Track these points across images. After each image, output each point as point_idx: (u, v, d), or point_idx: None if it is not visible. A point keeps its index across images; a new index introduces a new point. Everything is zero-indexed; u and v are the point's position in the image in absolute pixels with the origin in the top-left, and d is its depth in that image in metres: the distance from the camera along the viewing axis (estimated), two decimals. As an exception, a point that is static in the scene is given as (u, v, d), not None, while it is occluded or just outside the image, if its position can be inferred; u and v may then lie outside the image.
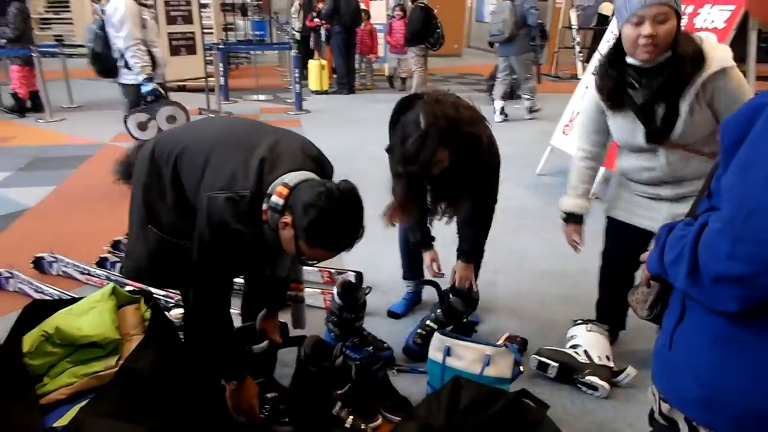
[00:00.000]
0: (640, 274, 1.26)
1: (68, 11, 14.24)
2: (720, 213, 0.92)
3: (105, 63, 3.86)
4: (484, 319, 2.74)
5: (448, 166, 2.02)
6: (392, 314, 2.75)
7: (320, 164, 1.79)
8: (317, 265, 3.04)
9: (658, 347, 1.17)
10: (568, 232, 2.34)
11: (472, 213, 2.35)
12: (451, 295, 2.46)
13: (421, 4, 8.23)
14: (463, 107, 2.05)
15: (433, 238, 2.55)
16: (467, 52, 16.36)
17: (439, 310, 2.47)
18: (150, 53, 3.83)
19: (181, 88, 8.66)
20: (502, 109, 7.18)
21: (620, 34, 1.87)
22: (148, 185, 1.87)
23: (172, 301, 2.60)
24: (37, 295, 2.82)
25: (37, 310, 1.90)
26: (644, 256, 1.21)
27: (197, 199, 1.69)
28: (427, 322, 2.48)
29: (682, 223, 1.05)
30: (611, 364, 2.24)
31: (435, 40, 8.25)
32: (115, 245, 3.32)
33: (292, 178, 1.60)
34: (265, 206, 1.60)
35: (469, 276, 2.49)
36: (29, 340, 1.77)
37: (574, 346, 2.30)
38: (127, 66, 3.80)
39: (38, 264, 3.14)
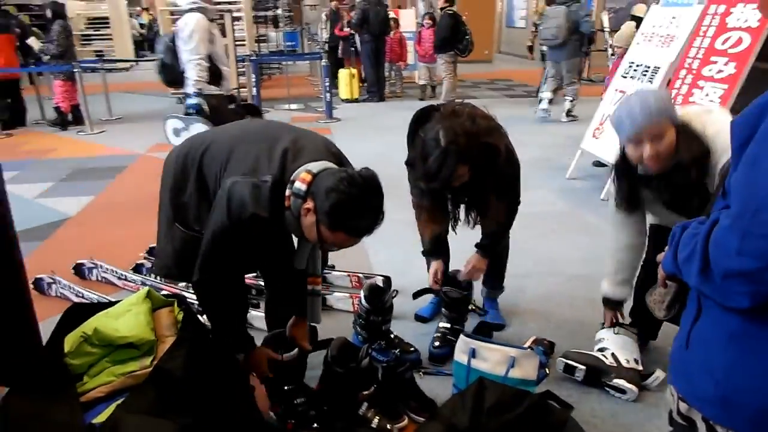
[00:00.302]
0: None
1: (108, 27, 14.73)
2: (729, 210, 0.93)
3: (172, 73, 3.98)
4: (511, 323, 2.74)
5: (469, 178, 2.07)
6: (419, 318, 2.78)
7: (340, 159, 1.84)
8: (348, 269, 3.12)
9: (675, 347, 1.17)
10: (605, 313, 2.39)
11: (494, 210, 2.35)
12: (444, 288, 2.50)
13: (450, 11, 8.26)
14: (480, 117, 2.09)
15: (445, 250, 2.60)
16: (498, 58, 16.32)
17: (444, 309, 2.52)
18: (216, 67, 3.93)
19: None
20: (550, 101, 7.43)
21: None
22: (175, 186, 1.95)
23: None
24: (77, 300, 2.94)
25: (77, 313, 1.99)
26: (660, 257, 1.22)
27: (219, 188, 1.74)
28: (440, 325, 2.53)
29: (696, 222, 1.06)
30: (640, 368, 2.22)
31: (464, 46, 8.28)
32: (151, 251, 3.42)
33: (315, 166, 1.65)
34: (288, 192, 1.65)
35: (481, 269, 2.49)
36: (70, 341, 1.85)
37: (601, 350, 2.29)
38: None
39: (79, 270, 3.27)
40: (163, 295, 2.19)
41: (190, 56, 3.73)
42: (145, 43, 17.75)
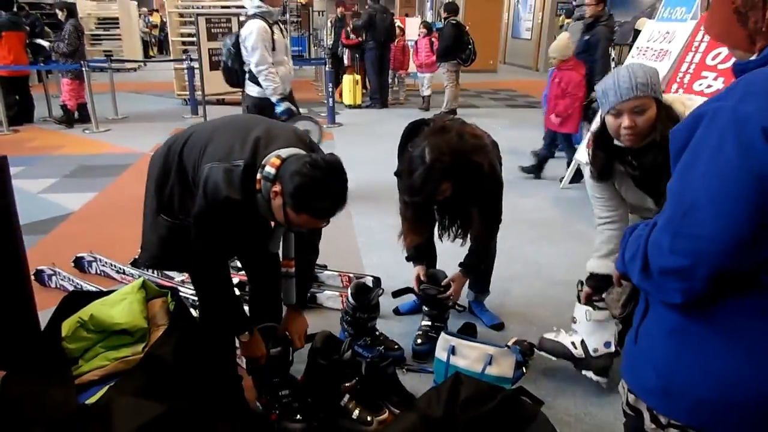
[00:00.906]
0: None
1: (117, 27, 14.89)
2: (663, 213, 1.01)
3: (235, 76, 4.16)
4: (496, 325, 2.84)
5: (452, 193, 2.16)
6: (396, 312, 2.91)
7: (311, 149, 1.92)
8: (339, 269, 3.21)
9: (627, 342, 1.26)
10: (584, 291, 2.30)
11: (475, 227, 2.42)
12: (423, 286, 2.60)
13: (453, 21, 8.37)
14: (468, 135, 2.17)
15: (429, 255, 2.72)
16: (503, 68, 16.43)
17: (425, 308, 2.62)
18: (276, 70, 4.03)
19: (220, 102, 9.00)
20: None
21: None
22: (159, 179, 2.05)
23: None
24: (76, 292, 3.03)
25: (75, 300, 2.08)
26: (614, 258, 1.31)
27: (197, 176, 1.84)
28: (422, 323, 2.63)
29: (643, 224, 1.14)
30: (611, 350, 2.24)
31: (466, 56, 8.38)
32: (150, 247, 3.52)
33: (285, 151, 1.75)
34: (258, 176, 1.74)
35: (459, 290, 2.61)
36: (67, 326, 1.95)
37: (573, 333, 2.33)
38: (251, 80, 4.04)
39: (78, 263, 3.36)
40: (158, 287, 2.28)
41: (259, 67, 3.87)
42: (151, 44, 17.95)
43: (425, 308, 2.64)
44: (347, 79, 9.55)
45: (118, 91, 8.85)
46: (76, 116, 7.95)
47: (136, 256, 3.38)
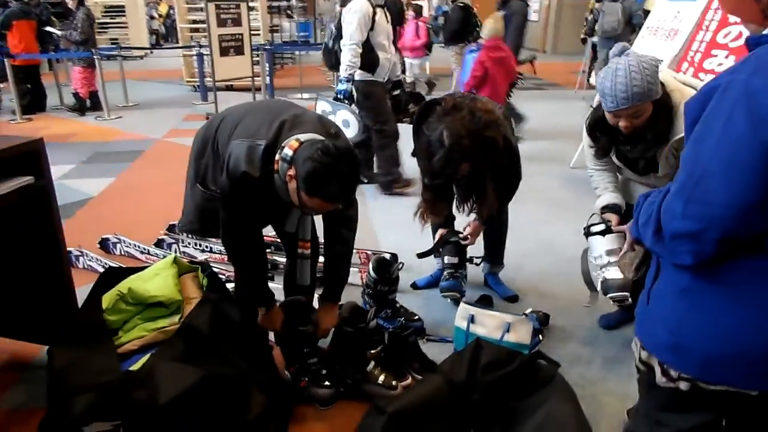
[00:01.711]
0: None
1: (123, 15, 14.92)
2: (677, 180, 1.09)
3: (335, 57, 4.15)
4: (509, 298, 2.94)
5: (469, 172, 2.26)
6: (414, 286, 3.02)
7: (335, 137, 1.97)
8: (357, 247, 3.30)
9: (639, 303, 1.35)
10: (609, 217, 2.34)
11: (490, 197, 2.48)
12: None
13: (461, 4, 8.36)
14: (481, 111, 2.25)
15: (451, 220, 2.80)
16: (509, 51, 16.34)
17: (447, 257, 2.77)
18: (374, 53, 4.04)
19: (229, 88, 9.07)
20: None
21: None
22: (198, 151, 2.19)
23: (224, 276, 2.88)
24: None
25: (112, 276, 2.19)
26: (629, 224, 1.39)
27: (226, 152, 1.93)
28: (445, 271, 2.78)
29: (657, 191, 1.22)
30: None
31: (474, 38, 8.39)
32: (171, 228, 3.62)
33: (305, 136, 1.83)
34: (277, 157, 1.82)
35: (477, 234, 2.72)
36: (107, 299, 2.05)
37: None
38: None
39: (104, 244, 3.47)
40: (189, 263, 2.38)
41: (346, 41, 3.89)
42: (158, 34, 17.95)
43: (446, 258, 2.78)
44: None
45: (127, 78, 8.91)
46: (88, 104, 8.03)
47: (160, 237, 3.49)
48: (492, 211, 2.52)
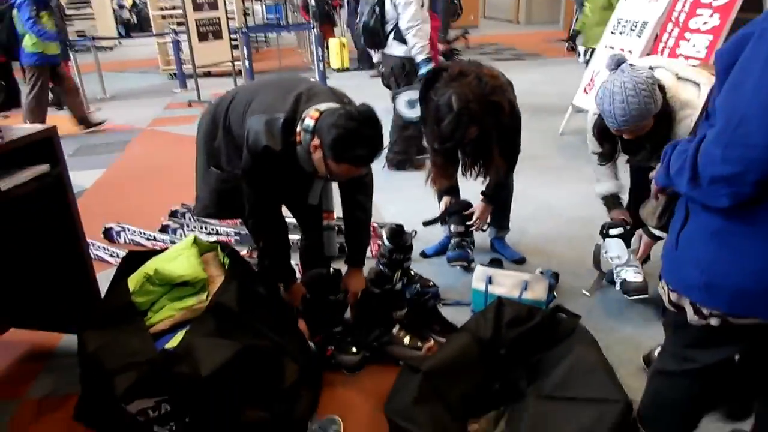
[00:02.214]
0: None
1: (89, 7, 14.57)
2: (714, 127, 1.14)
3: (377, 37, 4.08)
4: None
5: (477, 136, 2.31)
6: (423, 255, 3.08)
7: (351, 104, 2.01)
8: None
9: (666, 249, 1.41)
10: (615, 215, 2.52)
11: (497, 161, 2.56)
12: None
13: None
14: (486, 76, 2.31)
15: (455, 191, 2.88)
16: (484, 23, 16.37)
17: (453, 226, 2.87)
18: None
19: (207, 74, 8.95)
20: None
21: None
22: (207, 135, 2.19)
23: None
24: (113, 260, 3.15)
25: (134, 260, 2.20)
26: (653, 174, 1.45)
27: (242, 129, 1.96)
28: (452, 240, 2.90)
29: (684, 141, 1.28)
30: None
31: (452, 10, 8.40)
32: (173, 214, 3.63)
33: (324, 106, 1.86)
34: (299, 128, 1.85)
35: (485, 216, 2.82)
36: (134, 281, 2.07)
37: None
38: (396, 38, 3.98)
39: (108, 234, 3.47)
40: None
41: (410, 23, 3.80)
42: (128, 23, 17.55)
43: (453, 227, 2.87)
44: (334, 43, 9.53)
45: (101, 71, 8.76)
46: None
47: (165, 222, 3.50)
48: (499, 176, 2.58)
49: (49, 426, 2.04)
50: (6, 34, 5.92)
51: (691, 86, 2.01)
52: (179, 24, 9.05)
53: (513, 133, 2.53)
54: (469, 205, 2.86)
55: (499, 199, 2.86)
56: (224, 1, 7.53)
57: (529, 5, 15.91)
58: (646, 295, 2.39)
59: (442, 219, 2.91)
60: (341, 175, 1.91)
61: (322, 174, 1.92)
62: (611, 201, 2.53)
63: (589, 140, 2.41)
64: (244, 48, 8.38)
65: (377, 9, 3.98)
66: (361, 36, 4.29)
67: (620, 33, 4.78)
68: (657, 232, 2.22)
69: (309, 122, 1.83)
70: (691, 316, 1.35)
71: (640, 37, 4.50)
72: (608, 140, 2.24)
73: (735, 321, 1.27)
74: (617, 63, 1.94)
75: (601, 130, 2.20)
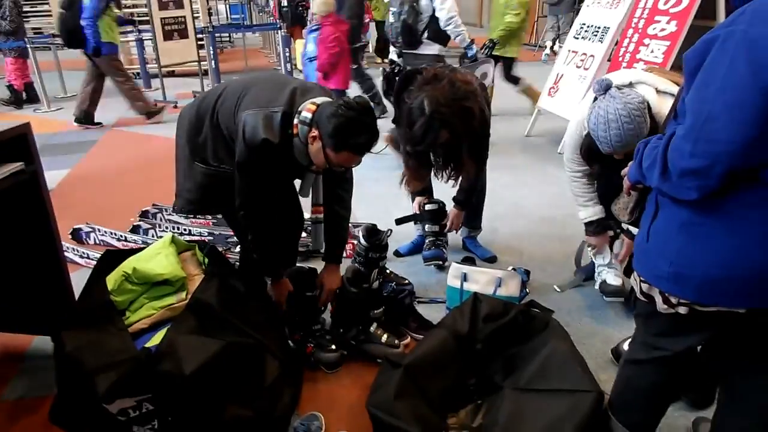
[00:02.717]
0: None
1: (46, 3, 14.13)
2: (683, 124, 1.22)
3: (415, 35, 4.32)
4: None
5: (448, 140, 2.34)
6: (397, 253, 3.14)
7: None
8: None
9: (637, 242, 1.49)
10: (595, 242, 2.57)
11: (467, 166, 2.59)
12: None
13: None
14: (459, 81, 2.33)
15: (429, 189, 2.95)
16: (447, 27, 16.51)
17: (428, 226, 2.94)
18: None
19: (171, 74, 8.82)
20: (552, 46, 9.97)
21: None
22: (191, 131, 2.19)
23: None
24: (83, 261, 3.10)
25: (111, 258, 2.18)
26: (625, 171, 1.53)
27: (234, 124, 1.98)
28: (426, 239, 2.99)
29: (655, 137, 1.36)
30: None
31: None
32: (144, 214, 3.59)
33: (319, 100, 1.93)
34: (296, 121, 1.91)
35: (458, 222, 2.90)
36: (112, 280, 2.05)
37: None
38: (430, 38, 4.31)
39: (76, 235, 3.40)
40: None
41: (451, 15, 4.16)
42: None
43: (427, 227, 2.95)
44: (300, 43, 9.49)
45: (63, 69, 8.55)
46: (24, 96, 7.67)
47: (136, 223, 3.46)
48: (470, 180, 2.65)
49: (24, 428, 2.01)
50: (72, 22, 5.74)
51: (670, 99, 2.03)
52: (141, 23, 8.91)
53: (482, 138, 2.58)
54: (442, 207, 2.92)
55: (470, 203, 2.93)
56: (190, 0, 7.43)
57: (492, 9, 16.15)
58: (622, 299, 2.50)
59: (415, 219, 2.96)
60: (339, 164, 1.96)
61: (318, 165, 1.97)
62: (598, 226, 2.53)
63: (568, 159, 2.42)
64: (210, 48, 8.28)
65: (415, 5, 4.18)
66: (398, 35, 4.40)
67: (582, 38, 4.93)
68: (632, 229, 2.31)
69: (306, 114, 1.89)
70: (660, 305, 1.43)
71: (602, 42, 4.66)
72: (597, 160, 2.24)
73: (701, 309, 1.35)
74: (605, 88, 1.95)
75: (589, 150, 2.19)
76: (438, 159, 2.64)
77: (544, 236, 3.32)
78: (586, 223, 2.56)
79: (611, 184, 2.35)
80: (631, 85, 2.06)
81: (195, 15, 8.92)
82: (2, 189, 1.96)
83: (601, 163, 2.27)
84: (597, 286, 2.56)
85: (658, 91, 2.03)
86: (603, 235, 2.56)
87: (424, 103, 2.25)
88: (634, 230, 2.31)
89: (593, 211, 2.51)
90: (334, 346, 2.24)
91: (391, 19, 4.40)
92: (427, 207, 2.90)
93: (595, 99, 2.02)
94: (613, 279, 2.54)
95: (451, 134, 2.33)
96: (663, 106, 2.00)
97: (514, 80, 5.87)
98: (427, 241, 2.95)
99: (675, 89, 2.04)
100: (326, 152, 1.89)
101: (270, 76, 2.20)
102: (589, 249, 2.63)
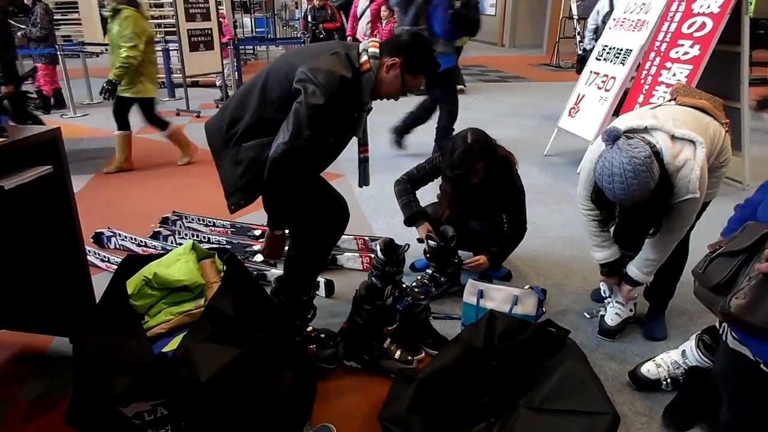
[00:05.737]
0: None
1: (76, 12, 14.50)
2: None
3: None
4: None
5: (484, 177, 2.62)
6: (413, 268, 3.13)
7: None
8: (353, 233, 3.39)
9: None
10: (608, 282, 2.51)
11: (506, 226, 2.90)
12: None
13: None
14: (499, 146, 2.76)
15: (425, 213, 2.93)
16: (468, 45, 16.57)
17: (429, 270, 2.91)
18: None
19: (194, 84, 8.96)
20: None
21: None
22: (230, 123, 2.13)
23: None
24: (103, 265, 3.15)
25: (132, 263, 2.22)
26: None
27: (291, 83, 1.98)
28: (426, 271, 2.93)
29: None
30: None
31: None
32: (164, 221, 3.64)
33: (375, 41, 2.11)
34: (365, 57, 2.04)
35: (478, 267, 2.88)
36: (132, 285, 2.08)
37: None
38: None
39: (98, 239, 3.46)
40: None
41: None
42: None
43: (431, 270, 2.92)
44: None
45: (91, 76, 8.73)
46: (52, 102, 7.84)
47: (156, 229, 3.50)
48: (496, 227, 2.93)
49: (40, 428, 2.03)
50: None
51: (687, 145, 1.99)
52: (168, 33, 9.08)
53: (517, 197, 2.84)
54: (447, 245, 2.80)
55: (504, 258, 3.00)
56: (216, 12, 7.57)
57: (513, 30, 16.24)
58: (611, 341, 2.50)
59: (425, 252, 2.90)
60: (413, 87, 2.14)
61: (390, 93, 2.12)
62: (613, 268, 2.45)
63: (582, 198, 2.35)
64: (234, 60, 8.42)
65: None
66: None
67: (605, 60, 4.93)
68: (640, 278, 2.35)
69: (374, 50, 2.04)
70: None
71: (623, 64, 4.65)
72: (606, 206, 2.22)
73: None
74: (614, 138, 1.92)
75: (599, 195, 2.13)
76: (470, 192, 2.77)
77: (560, 256, 3.31)
78: (600, 264, 2.47)
79: (629, 223, 2.40)
80: (646, 129, 2.02)
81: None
82: (31, 191, 2.01)
83: (609, 210, 2.25)
84: (598, 316, 2.59)
85: (673, 138, 1.99)
86: (614, 277, 2.48)
87: (467, 134, 2.62)
88: (632, 274, 2.36)
89: (608, 254, 2.41)
90: (345, 361, 2.26)
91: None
92: (431, 243, 2.80)
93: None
94: (611, 318, 2.51)
95: (486, 170, 2.63)
96: (678, 153, 1.97)
97: (160, 123, 5.27)
98: (421, 277, 2.92)
99: (692, 135, 1.99)
100: (404, 78, 2.06)
101: (309, 47, 2.33)
102: (601, 283, 2.60)
